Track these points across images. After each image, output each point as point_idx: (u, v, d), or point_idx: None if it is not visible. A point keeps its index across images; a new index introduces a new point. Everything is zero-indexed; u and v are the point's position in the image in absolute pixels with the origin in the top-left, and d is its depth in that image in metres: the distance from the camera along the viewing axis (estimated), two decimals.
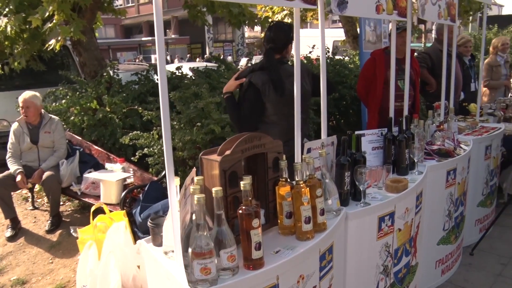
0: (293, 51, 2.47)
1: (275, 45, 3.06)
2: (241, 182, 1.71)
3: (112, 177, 4.31)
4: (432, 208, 3.02)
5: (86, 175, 4.57)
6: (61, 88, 5.73)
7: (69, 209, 5.14)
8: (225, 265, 1.68)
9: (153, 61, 24.60)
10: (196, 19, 6.44)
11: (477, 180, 3.81)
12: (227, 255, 1.67)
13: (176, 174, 2.72)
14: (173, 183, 1.77)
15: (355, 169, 2.27)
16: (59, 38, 5.11)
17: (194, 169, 1.96)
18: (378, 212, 2.33)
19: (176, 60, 21.94)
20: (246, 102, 3.01)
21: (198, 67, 6.41)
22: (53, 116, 4.86)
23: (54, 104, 5.65)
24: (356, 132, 2.78)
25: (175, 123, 4.52)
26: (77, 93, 5.68)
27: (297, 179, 1.93)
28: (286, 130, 2.79)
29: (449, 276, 3.38)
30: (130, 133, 4.62)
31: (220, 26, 30.76)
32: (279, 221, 2.03)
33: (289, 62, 3.21)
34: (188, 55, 26.79)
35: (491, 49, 6.46)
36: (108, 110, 5.49)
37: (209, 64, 8.83)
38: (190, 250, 1.63)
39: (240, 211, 1.71)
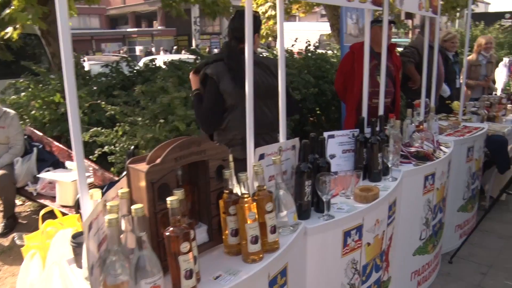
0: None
1: (239, 34, 2.77)
2: (168, 199, 1.42)
3: (68, 177, 4.00)
4: (408, 216, 2.76)
5: (42, 174, 4.25)
6: (21, 80, 5.37)
7: (28, 210, 4.81)
8: None
9: (137, 53, 24.12)
10: (170, 9, 6.10)
11: (458, 184, 3.57)
12: (149, 286, 1.39)
13: None
14: (85, 193, 1.48)
15: (317, 178, 1.99)
16: (17, 26, 4.76)
17: (123, 179, 1.67)
18: (343, 226, 2.06)
19: (161, 52, 21.49)
20: (204, 96, 2.74)
21: (172, 60, 6.08)
22: (8, 110, 4.51)
23: (13, 96, 5.29)
24: (325, 133, 2.52)
25: (139, 119, 4.21)
26: (40, 85, 5.33)
27: (242, 192, 1.65)
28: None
29: (426, 287, 3.14)
30: (92, 130, 4.30)
31: (208, 18, 30.25)
32: (223, 238, 1.75)
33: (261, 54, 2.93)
34: (174, 47, 26.30)
35: (475, 47, 6.23)
36: None
37: (183, 56, 8.49)
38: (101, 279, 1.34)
39: (167, 233, 1.43)
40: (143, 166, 1.55)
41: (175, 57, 9.04)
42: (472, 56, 6.21)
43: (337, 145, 2.57)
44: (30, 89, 5.27)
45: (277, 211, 1.86)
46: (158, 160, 1.55)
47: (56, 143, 4.74)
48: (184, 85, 4.60)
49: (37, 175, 4.27)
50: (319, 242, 2.00)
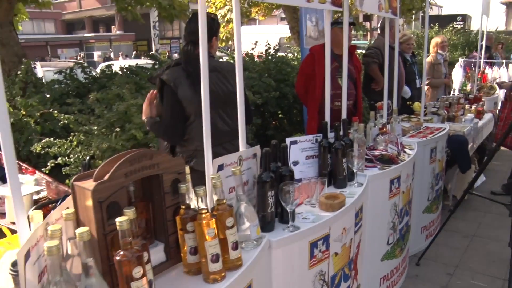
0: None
1: (196, 37, 2.65)
2: (117, 220, 1.28)
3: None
4: (375, 222, 2.70)
5: None
6: None
7: None
8: None
9: (95, 58, 23.49)
10: (126, 13, 5.90)
11: (422, 186, 3.56)
12: None
13: None
14: (22, 214, 1.32)
15: (280, 188, 1.89)
16: None
17: (69, 198, 1.52)
18: (309, 237, 1.96)
19: (120, 58, 20.99)
20: (163, 107, 2.58)
21: (129, 65, 5.87)
22: None
23: None
24: (288, 139, 2.43)
25: (95, 128, 4.00)
26: None
27: (200, 207, 1.52)
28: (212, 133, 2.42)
29: None
30: (43, 140, 4.06)
31: (166, 22, 29.85)
32: (182, 256, 1.62)
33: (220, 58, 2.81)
34: (134, 52, 25.78)
35: (431, 47, 6.34)
36: (23, 113, 4.87)
37: (142, 62, 8.26)
38: None
39: (117, 258, 1.28)
40: (90, 184, 1.40)
41: (135, 62, 8.80)
42: (432, 56, 6.31)
43: (300, 151, 2.48)
44: None
45: (238, 225, 1.75)
46: (106, 177, 1.41)
47: None
48: (142, 91, 4.41)
49: None
50: (285, 255, 1.90)
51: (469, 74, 7.04)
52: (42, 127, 4.82)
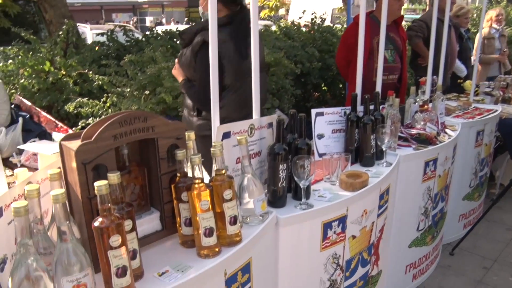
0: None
1: None
2: (96, 184, 1.17)
3: (50, 149, 3.78)
4: (404, 206, 2.50)
5: (25, 145, 4.04)
6: (9, 48, 5.13)
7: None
8: None
9: (147, 24, 23.67)
10: None
11: (464, 171, 3.27)
12: (71, 284, 1.16)
13: None
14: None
15: (294, 161, 1.73)
16: None
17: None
18: (323, 217, 1.80)
19: (171, 23, 21.04)
20: (200, 68, 2.37)
21: (169, 29, 5.77)
22: None
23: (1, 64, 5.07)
24: (313, 110, 2.25)
25: (127, 90, 3.96)
26: (30, 53, 5.09)
27: (195, 177, 1.39)
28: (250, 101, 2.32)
29: (421, 281, 2.89)
30: (76, 100, 4.07)
31: None
32: (177, 227, 1.51)
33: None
34: (185, 19, 25.78)
35: (485, 21, 5.81)
36: (64, 73, 4.91)
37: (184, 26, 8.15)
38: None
39: (95, 224, 1.19)
40: (75, 144, 1.30)
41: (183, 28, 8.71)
42: (485, 30, 5.81)
43: (326, 124, 2.29)
44: (19, 57, 5.04)
45: (242, 199, 1.61)
46: (93, 138, 1.30)
47: (44, 114, 4.52)
48: (176, 54, 4.31)
49: (20, 147, 4.07)
50: (294, 234, 1.75)
51: None
52: (80, 87, 4.85)
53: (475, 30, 8.23)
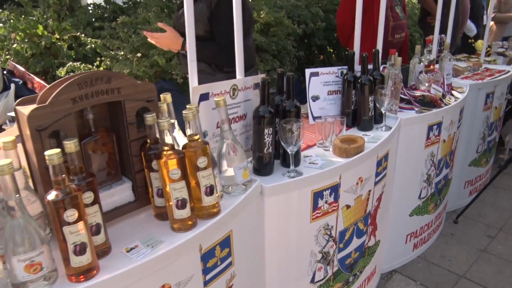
0: None
1: None
2: (46, 153, 1.04)
3: None
4: (405, 173, 2.35)
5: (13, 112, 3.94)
6: (0, 11, 4.94)
7: None
8: (22, 278, 1.06)
9: None
10: None
11: (472, 135, 3.10)
12: (23, 264, 1.05)
13: None
14: None
15: (281, 125, 1.58)
16: None
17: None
18: (313, 185, 1.66)
19: None
20: (225, 21, 2.09)
21: None
22: None
23: None
24: (307, 70, 2.09)
25: (121, 53, 3.80)
26: (22, 16, 4.90)
27: (164, 143, 1.26)
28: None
29: (423, 251, 2.78)
30: (68, 64, 3.92)
31: None
32: (150, 198, 1.39)
33: None
34: None
35: None
36: (57, 37, 4.73)
37: None
38: None
39: (48, 198, 1.06)
40: (29, 109, 1.16)
41: None
42: None
43: (322, 84, 2.13)
44: (11, 21, 4.86)
45: (221, 167, 1.48)
46: (48, 101, 1.16)
47: (38, 79, 4.38)
48: (172, 15, 4.11)
49: (12, 114, 3.96)
50: (281, 204, 1.62)
51: None
52: (76, 51, 4.68)
53: None
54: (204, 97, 1.49)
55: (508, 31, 5.45)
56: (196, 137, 1.32)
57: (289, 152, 1.62)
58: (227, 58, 2.01)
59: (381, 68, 2.39)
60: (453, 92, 2.71)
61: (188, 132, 1.33)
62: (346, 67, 2.10)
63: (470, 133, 3.07)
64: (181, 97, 3.43)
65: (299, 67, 5.06)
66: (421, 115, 2.31)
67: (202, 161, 1.31)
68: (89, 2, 6.16)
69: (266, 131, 1.58)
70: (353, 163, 1.77)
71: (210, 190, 1.35)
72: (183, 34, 2.25)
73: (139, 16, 4.02)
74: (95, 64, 3.96)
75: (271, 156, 1.64)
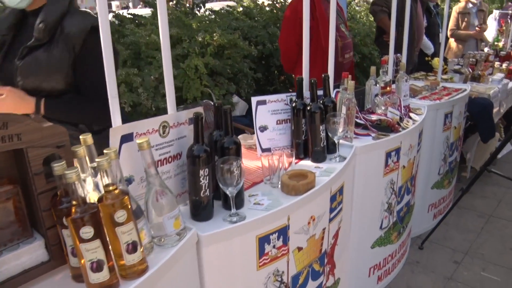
0: None
1: None
2: None
3: None
4: (364, 203, 2.21)
5: None
6: None
7: None
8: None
9: (113, 8, 22.81)
10: None
11: (432, 157, 3.01)
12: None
13: None
14: None
15: (218, 165, 1.41)
16: None
17: None
18: (257, 230, 1.49)
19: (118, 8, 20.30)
20: (95, 65, 1.47)
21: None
22: None
23: None
24: (254, 98, 1.93)
25: None
26: None
27: (73, 198, 1.06)
28: None
29: (388, 282, 2.63)
30: None
31: None
32: (65, 256, 1.18)
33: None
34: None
35: None
36: None
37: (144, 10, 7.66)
38: None
39: None
40: None
41: (144, 11, 8.18)
42: (460, 5, 5.54)
43: (270, 113, 1.97)
44: None
45: (150, 217, 1.29)
46: None
47: None
48: (121, 39, 3.92)
49: None
50: (221, 254, 1.44)
51: (503, 28, 6.22)
52: None
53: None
54: (127, 138, 1.30)
55: (468, 49, 5.48)
56: (112, 188, 1.12)
57: (229, 195, 1.44)
58: (101, 114, 1.53)
59: (333, 93, 2.26)
60: (411, 114, 2.61)
61: (104, 182, 1.13)
62: (295, 93, 1.95)
63: (431, 155, 2.97)
64: None
65: (258, 89, 4.93)
66: (377, 142, 2.18)
67: (120, 215, 1.12)
68: None
69: (201, 172, 1.40)
70: (303, 202, 1.61)
71: (133, 247, 1.15)
72: (32, 91, 1.71)
73: None
74: None
75: (209, 199, 1.46)
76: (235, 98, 4.25)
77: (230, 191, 1.43)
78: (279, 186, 1.68)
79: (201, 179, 1.41)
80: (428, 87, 3.37)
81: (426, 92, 3.26)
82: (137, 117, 3.38)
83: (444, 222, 3.12)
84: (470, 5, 5.46)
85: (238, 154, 1.49)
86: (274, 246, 1.55)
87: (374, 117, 2.40)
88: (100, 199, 1.13)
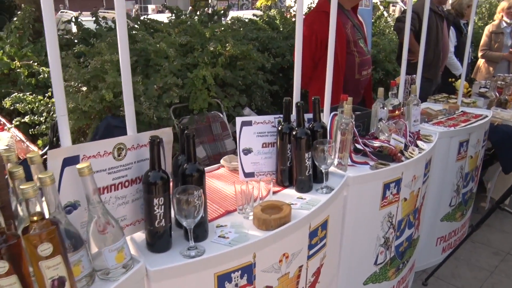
0: None
1: None
2: None
3: None
4: (357, 236, 2.04)
5: None
6: None
7: None
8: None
9: (149, 12, 23.17)
10: None
11: (444, 188, 2.80)
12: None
13: None
14: None
15: (175, 195, 1.28)
16: None
17: None
18: (216, 267, 1.35)
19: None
20: None
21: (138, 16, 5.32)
22: None
23: None
24: (239, 119, 1.81)
25: (74, 84, 3.53)
26: None
27: None
28: None
29: None
30: (13, 95, 3.66)
31: None
32: None
33: None
34: (190, 7, 25.22)
35: (497, 13, 5.27)
36: (18, 64, 4.48)
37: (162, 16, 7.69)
38: None
39: None
40: None
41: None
42: (492, 24, 5.26)
43: (255, 136, 1.84)
44: None
45: (90, 249, 1.18)
46: None
47: None
48: (130, 46, 3.86)
49: None
50: None
51: None
52: (37, 80, 4.43)
53: (481, 24, 7.65)
54: (71, 160, 1.20)
55: (499, 71, 5.17)
56: (38, 218, 1.02)
57: (187, 227, 1.32)
58: None
59: (330, 116, 2.11)
60: (419, 142, 2.42)
61: (31, 210, 1.03)
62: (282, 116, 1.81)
63: (442, 185, 2.76)
64: None
65: (275, 101, 4.80)
66: (374, 172, 2.01)
67: (44, 249, 1.01)
68: (62, 27, 5.96)
69: (156, 201, 1.29)
70: (274, 238, 1.47)
71: (59, 283, 1.05)
72: None
73: (95, 47, 3.78)
74: (46, 95, 3.70)
75: (165, 229, 1.34)
76: (246, 111, 4.13)
77: (188, 224, 1.30)
78: (251, 217, 1.54)
79: (155, 208, 1.29)
80: (446, 111, 3.16)
81: (443, 116, 3.05)
82: (139, 126, 3.30)
83: (454, 257, 2.91)
84: (504, 24, 5.17)
85: (200, 182, 1.36)
86: (236, 285, 1.41)
87: (376, 144, 2.23)
88: (24, 230, 1.03)
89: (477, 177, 3.18)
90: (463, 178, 2.90)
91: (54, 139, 3.49)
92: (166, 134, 1.43)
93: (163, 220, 1.31)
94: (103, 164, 1.27)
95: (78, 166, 1.12)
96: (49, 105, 3.60)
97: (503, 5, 5.16)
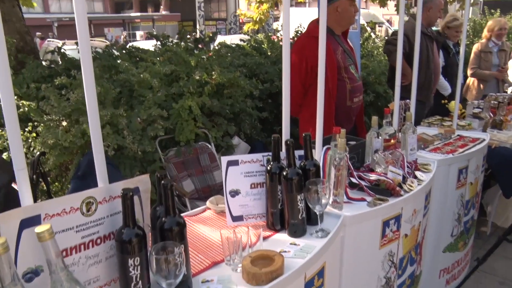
0: None
1: None
2: None
3: None
4: (355, 279, 1.89)
5: None
6: None
7: None
8: None
9: (138, 38, 23.22)
10: None
11: (444, 218, 2.66)
12: None
13: None
14: None
15: (152, 254, 1.13)
16: None
17: None
18: None
19: (138, 38, 20.58)
20: None
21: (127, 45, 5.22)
22: None
23: None
24: (224, 158, 1.67)
25: (53, 117, 3.38)
26: None
27: None
28: None
29: None
30: None
31: (214, 3, 29.17)
32: None
33: None
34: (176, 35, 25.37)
35: (485, 32, 5.24)
36: None
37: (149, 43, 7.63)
38: None
39: None
40: None
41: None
42: (482, 43, 5.23)
43: (243, 176, 1.70)
44: None
45: None
46: None
47: None
48: (114, 76, 3.74)
49: None
50: None
51: None
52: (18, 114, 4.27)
53: (467, 42, 7.67)
54: (31, 221, 1.05)
55: (488, 89, 5.13)
56: None
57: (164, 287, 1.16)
58: None
59: (323, 150, 1.98)
60: (417, 173, 2.29)
61: None
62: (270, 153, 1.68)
63: (442, 216, 2.63)
64: (115, 172, 2.99)
65: (265, 128, 4.68)
66: (372, 210, 1.87)
67: None
68: (48, 57, 5.84)
69: (131, 261, 1.13)
70: None
71: None
72: None
73: (80, 77, 3.64)
74: (26, 129, 3.54)
75: None
76: (235, 140, 4.00)
77: (168, 285, 1.15)
78: (239, 270, 1.39)
79: (130, 269, 1.14)
80: (442, 136, 3.06)
81: (439, 142, 2.94)
82: (123, 160, 3.16)
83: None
84: (492, 44, 5.14)
85: (181, 237, 1.21)
86: None
87: (373, 177, 2.10)
88: None
89: (478, 203, 3.05)
90: (464, 206, 2.77)
91: (34, 176, 3.33)
92: (142, 182, 1.29)
93: (140, 282, 1.16)
94: (69, 222, 1.13)
95: (37, 230, 0.97)
96: (29, 140, 3.44)
97: (492, 26, 5.14)
